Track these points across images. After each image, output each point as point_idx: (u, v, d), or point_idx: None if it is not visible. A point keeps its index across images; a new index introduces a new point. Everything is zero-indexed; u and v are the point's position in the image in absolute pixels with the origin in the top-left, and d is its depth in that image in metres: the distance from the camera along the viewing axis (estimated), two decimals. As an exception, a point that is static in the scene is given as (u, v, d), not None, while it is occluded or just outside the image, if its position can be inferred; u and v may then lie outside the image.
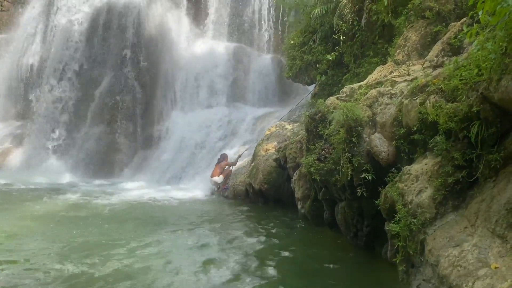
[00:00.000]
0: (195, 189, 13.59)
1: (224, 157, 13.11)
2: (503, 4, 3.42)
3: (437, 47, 6.57)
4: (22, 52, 19.45)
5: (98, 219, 9.18)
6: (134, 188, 14.03)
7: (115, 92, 18.20)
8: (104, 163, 17.19)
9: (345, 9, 11.17)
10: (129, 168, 17.11)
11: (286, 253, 6.74)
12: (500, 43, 3.73)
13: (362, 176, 6.13)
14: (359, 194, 6.20)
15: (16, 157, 17.63)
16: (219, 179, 12.63)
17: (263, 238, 7.69)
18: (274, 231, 8.26)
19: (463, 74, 4.47)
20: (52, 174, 16.20)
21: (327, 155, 6.93)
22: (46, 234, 7.78)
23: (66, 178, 16.11)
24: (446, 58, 6.19)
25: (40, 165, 17.12)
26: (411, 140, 5.43)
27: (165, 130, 18.09)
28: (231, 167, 12.81)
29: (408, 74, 6.91)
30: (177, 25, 20.07)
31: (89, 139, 17.72)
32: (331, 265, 6.17)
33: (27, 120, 18.73)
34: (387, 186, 5.41)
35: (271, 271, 5.98)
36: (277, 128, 12.75)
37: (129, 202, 11.51)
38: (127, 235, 7.75)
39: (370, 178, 6.06)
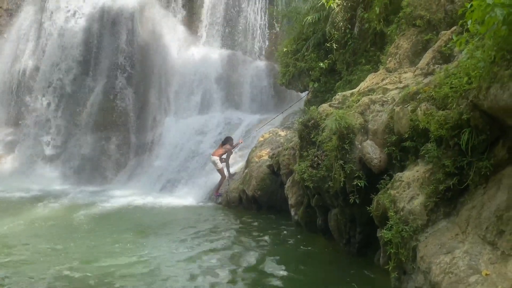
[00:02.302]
0: (189, 196, 13.53)
1: (229, 140, 13.20)
2: (492, 13, 3.47)
3: (428, 55, 6.64)
4: (14, 58, 19.35)
5: (89, 226, 9.12)
6: (127, 195, 13.93)
7: (108, 98, 18.13)
8: (96, 169, 17.07)
9: (337, 17, 11.26)
10: (121, 174, 17.00)
11: (279, 261, 6.73)
12: (489, 52, 3.78)
13: (354, 183, 6.16)
14: (351, 201, 6.22)
15: (7, 164, 17.46)
16: (216, 159, 12.64)
17: (255, 245, 7.68)
18: (266, 238, 8.24)
19: (453, 82, 4.52)
20: (44, 181, 16.06)
21: (319, 162, 6.96)
22: (35, 242, 7.71)
23: (58, 185, 15.97)
24: (437, 66, 6.26)
25: (32, 172, 16.95)
26: (403, 147, 5.47)
27: (158, 136, 18.01)
28: (224, 170, 12.85)
29: (400, 82, 6.97)
30: (170, 31, 20.07)
31: (81, 146, 17.61)
32: (323, 272, 6.17)
33: (19, 127, 18.58)
34: (379, 193, 5.44)
35: (263, 278, 5.96)
36: (271, 134, 12.75)
37: (121, 209, 11.45)
38: (118, 243, 7.70)
39: (363, 185, 6.09)
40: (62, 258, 6.70)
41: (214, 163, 12.76)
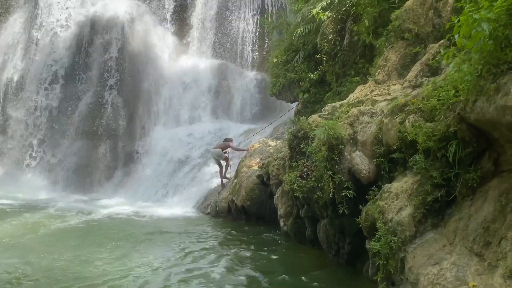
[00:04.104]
0: (177, 206, 13.44)
1: (229, 140, 13.37)
2: (478, 28, 3.54)
3: (416, 68, 6.74)
4: (2, 66, 19.17)
5: (74, 237, 8.95)
6: (114, 205, 13.79)
7: (97, 107, 18.03)
8: (84, 178, 16.90)
9: (327, 29, 11.39)
10: (109, 184, 16.84)
11: (268, 272, 6.69)
12: (476, 66, 3.85)
13: (343, 193, 6.17)
14: (340, 211, 6.22)
15: (-6, 172, 17.21)
16: (219, 150, 12.81)
17: (244, 256, 7.62)
18: (255, 248, 8.19)
19: (441, 95, 4.59)
20: (31, 189, 15.83)
21: (309, 172, 6.97)
22: (17, 253, 7.53)
23: (45, 194, 15.76)
24: (424, 78, 6.35)
25: (19, 181, 16.72)
26: (391, 158, 5.51)
27: (147, 145, 17.93)
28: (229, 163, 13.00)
29: (388, 94, 7.05)
30: (161, 41, 20.10)
31: (69, 154, 17.44)
32: (313, 284, 6.14)
33: (6, 135, 18.34)
34: (368, 204, 5.46)
35: (253, 289, 5.92)
36: (260, 144, 12.76)
37: (108, 219, 11.31)
38: (103, 254, 7.56)
39: (351, 195, 6.11)
40: (41, 270, 6.52)
41: (218, 155, 12.82)
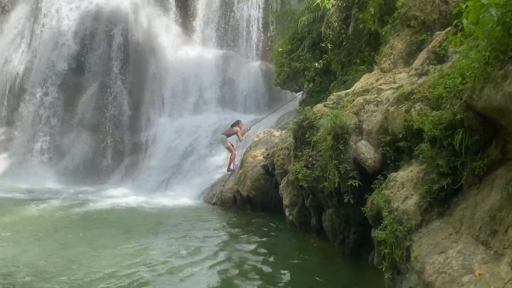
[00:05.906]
0: (183, 196, 13.50)
1: (238, 123, 13.13)
2: (486, 14, 3.47)
3: (422, 56, 6.66)
4: (7, 58, 19.21)
5: (80, 226, 9.02)
6: (120, 195, 13.87)
7: (102, 98, 18.07)
8: (90, 169, 17.01)
9: (332, 18, 11.28)
10: (115, 174, 16.94)
11: (273, 261, 6.72)
12: (483, 53, 3.78)
13: (349, 183, 6.15)
14: (346, 201, 6.21)
15: (0, 163, 17.33)
16: (224, 137, 12.68)
17: (249, 246, 7.65)
18: (261, 238, 8.22)
19: (447, 83, 4.53)
20: (37, 180, 15.95)
21: (314, 162, 6.95)
22: (23, 243, 7.59)
23: (52, 184, 15.88)
24: (431, 66, 6.27)
25: (25, 172, 16.84)
26: (397, 147, 5.47)
27: (153, 136, 17.97)
28: (234, 152, 12.84)
29: (394, 82, 6.99)
30: (165, 31, 20.05)
31: (75, 145, 17.53)
32: (318, 273, 6.16)
33: (13, 126, 18.46)
34: (374, 193, 5.43)
35: (257, 279, 5.94)
36: (265, 134, 12.74)
37: (113, 210, 11.38)
38: (109, 244, 7.60)
39: (357, 185, 6.09)
40: (43, 262, 6.53)
41: (223, 141, 12.73)
